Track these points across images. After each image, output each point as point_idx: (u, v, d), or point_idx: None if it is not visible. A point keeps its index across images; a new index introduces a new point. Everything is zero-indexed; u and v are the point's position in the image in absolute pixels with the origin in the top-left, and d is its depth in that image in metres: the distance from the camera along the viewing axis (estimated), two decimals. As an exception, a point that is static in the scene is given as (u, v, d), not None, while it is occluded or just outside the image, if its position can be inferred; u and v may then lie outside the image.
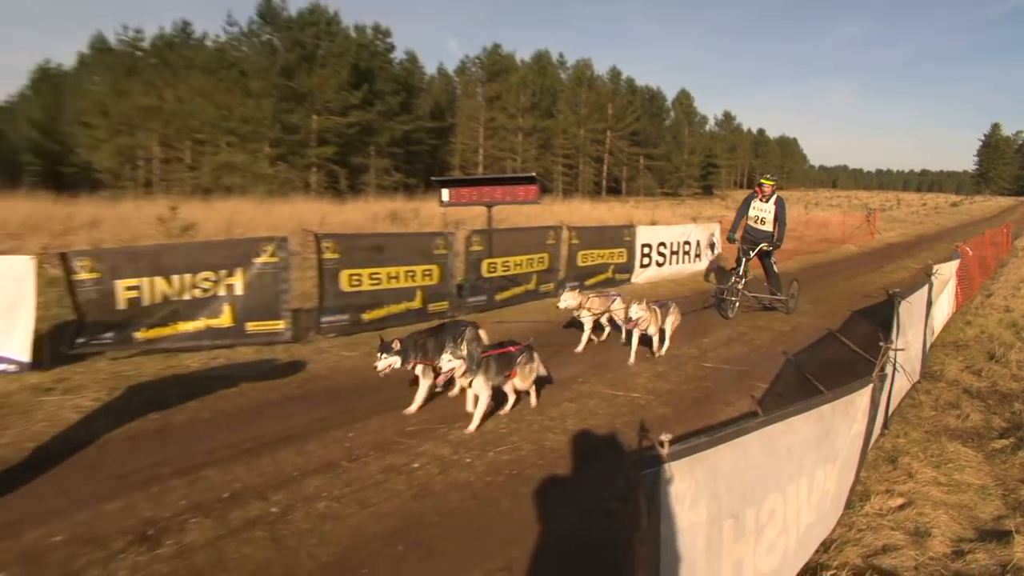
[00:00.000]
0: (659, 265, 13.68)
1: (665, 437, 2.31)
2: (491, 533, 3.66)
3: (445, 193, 10.57)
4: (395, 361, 5.15)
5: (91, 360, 6.74)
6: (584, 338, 7.78)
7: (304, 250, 11.20)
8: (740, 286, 9.80)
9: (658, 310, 7.34)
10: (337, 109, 48.62)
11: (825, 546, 3.55)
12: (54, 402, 5.57)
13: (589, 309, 7.72)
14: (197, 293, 7.18)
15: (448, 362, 4.84)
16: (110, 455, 4.52)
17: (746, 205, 10.09)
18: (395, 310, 8.74)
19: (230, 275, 7.33)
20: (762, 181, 9.99)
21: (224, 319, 7.33)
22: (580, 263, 11.89)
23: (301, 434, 4.99)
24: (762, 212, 9.87)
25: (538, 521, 3.78)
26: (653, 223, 19.77)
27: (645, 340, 7.55)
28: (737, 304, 9.83)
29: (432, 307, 9.14)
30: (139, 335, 6.96)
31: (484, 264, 10.05)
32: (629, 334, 7.46)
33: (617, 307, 7.71)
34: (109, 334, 6.83)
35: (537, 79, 64.86)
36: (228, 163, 45.25)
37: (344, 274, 8.25)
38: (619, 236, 12.88)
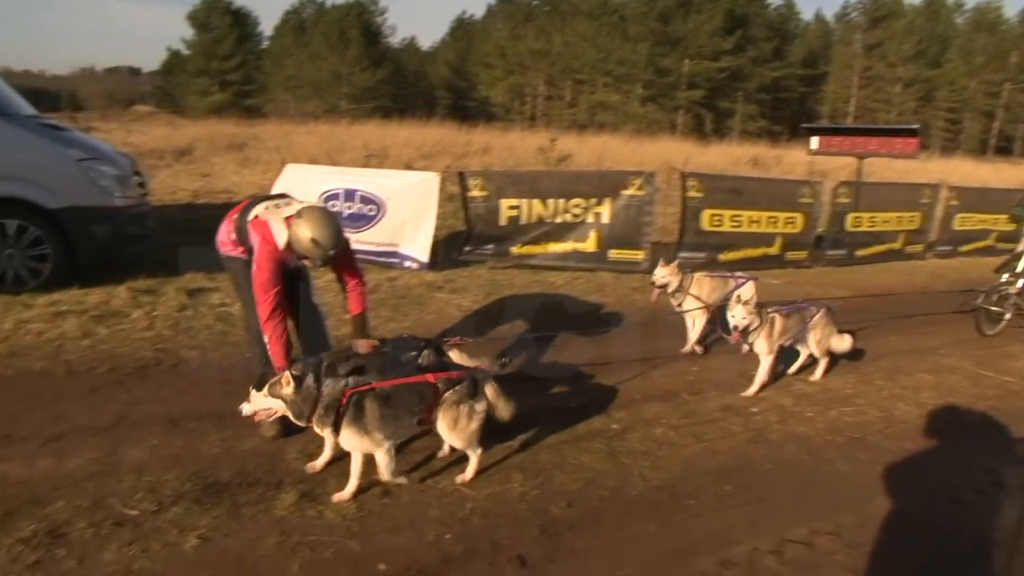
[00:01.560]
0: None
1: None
2: (823, 492, 3.42)
3: (815, 141, 10.05)
4: (274, 407, 2.99)
5: (474, 267, 7.58)
6: (691, 336, 5.29)
7: (667, 187, 10.99)
8: (1015, 290, 6.41)
9: (779, 318, 4.57)
10: (709, 54, 47.20)
11: None
12: (442, 298, 6.36)
13: (690, 293, 5.19)
14: (568, 217, 7.54)
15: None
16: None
17: None
18: (751, 254, 8.49)
19: (599, 204, 7.54)
20: None
21: (589, 244, 7.61)
22: (957, 226, 10.70)
23: (648, 360, 5.01)
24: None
25: (875, 491, 3.44)
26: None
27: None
28: (1007, 318, 6.47)
29: (789, 255, 8.84)
30: (515, 250, 7.62)
31: (849, 217, 9.46)
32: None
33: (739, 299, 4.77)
34: (490, 246, 7.61)
35: (926, 25, 53.31)
36: (602, 102, 47.65)
37: (706, 213, 8.14)
38: (1008, 201, 10.00)
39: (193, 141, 18.24)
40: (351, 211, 7.42)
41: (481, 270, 7.51)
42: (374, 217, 7.39)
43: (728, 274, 5.53)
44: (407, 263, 7.43)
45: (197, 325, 5.24)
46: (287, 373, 2.97)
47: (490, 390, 3.23)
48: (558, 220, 7.55)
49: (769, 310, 4.54)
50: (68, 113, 34.33)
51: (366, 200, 7.40)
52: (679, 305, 5.22)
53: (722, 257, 8.31)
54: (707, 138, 35.32)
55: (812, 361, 4.92)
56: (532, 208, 7.50)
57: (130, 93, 62.74)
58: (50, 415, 3.67)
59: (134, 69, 79.59)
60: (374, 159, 15.55)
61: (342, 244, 3.39)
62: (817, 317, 4.71)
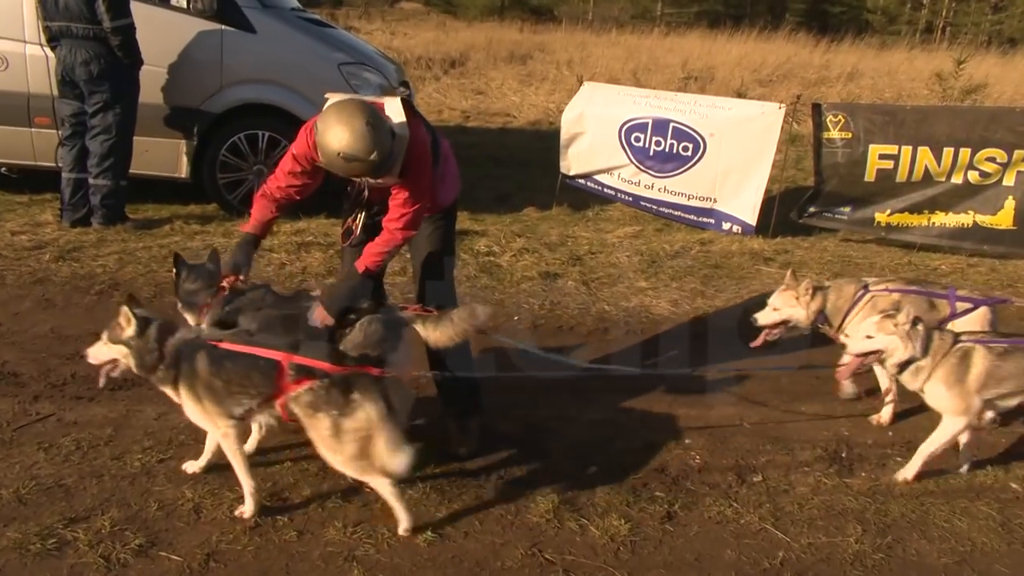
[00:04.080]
0: None
1: None
2: None
3: None
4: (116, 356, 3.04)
5: (818, 236, 7.33)
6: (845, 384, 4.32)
7: None
8: None
9: (981, 352, 3.45)
10: None
11: None
12: (770, 274, 6.24)
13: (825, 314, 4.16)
14: (972, 177, 6.85)
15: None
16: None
17: None
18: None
19: (1026, 159, 6.72)
20: None
21: (1001, 217, 6.86)
22: None
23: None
24: None
25: None
26: None
27: None
28: None
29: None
30: (881, 217, 7.15)
31: None
32: None
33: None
34: (846, 209, 7.23)
35: None
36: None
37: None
38: None
39: (467, 49, 19.89)
40: (659, 149, 7.54)
41: (829, 241, 7.27)
42: (689, 160, 7.44)
43: (932, 290, 4.34)
44: (726, 224, 7.39)
45: (457, 275, 5.77)
46: (125, 310, 2.96)
47: (369, 409, 2.83)
48: (954, 180, 6.90)
49: (961, 336, 3.55)
50: (327, 9, 39.51)
51: (681, 135, 7.46)
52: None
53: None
54: None
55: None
56: (916, 160, 6.94)
57: (396, -14, 69.87)
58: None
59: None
60: (694, 82, 15.57)
61: (384, 145, 3.11)
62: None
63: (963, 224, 6.98)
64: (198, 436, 3.41)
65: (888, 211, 7.13)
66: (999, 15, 43.84)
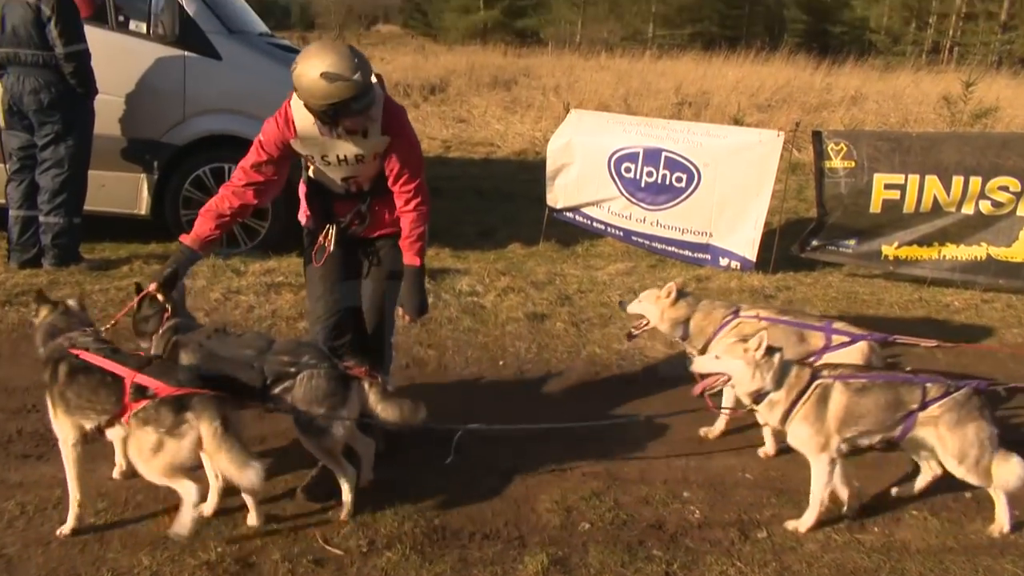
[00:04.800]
0: None
1: None
2: None
3: None
4: None
5: (822, 270, 7.39)
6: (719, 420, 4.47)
7: None
8: None
9: (839, 388, 3.55)
10: None
11: None
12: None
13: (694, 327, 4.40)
14: (984, 207, 6.96)
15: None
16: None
17: None
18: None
19: (1043, 187, 6.83)
20: None
21: (1016, 250, 6.96)
22: None
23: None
24: None
25: None
26: None
27: None
28: None
29: None
30: (888, 251, 7.23)
31: None
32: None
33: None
34: (851, 242, 7.31)
35: None
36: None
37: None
38: None
39: (448, 74, 20.10)
40: (651, 180, 7.62)
41: (833, 276, 7.31)
42: (683, 192, 7.51)
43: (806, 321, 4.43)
44: (723, 260, 7.44)
45: (438, 317, 5.80)
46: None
47: (206, 426, 2.99)
48: (965, 210, 7.00)
49: (823, 370, 3.62)
50: (298, 32, 39.77)
51: (674, 165, 7.54)
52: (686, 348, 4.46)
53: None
54: None
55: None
56: (924, 189, 7.04)
57: (372, 8, 70.41)
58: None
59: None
60: (688, 108, 15.75)
61: (367, 70, 3.38)
62: (943, 403, 3.54)
63: (976, 257, 7.06)
64: (157, 496, 3.37)
65: (896, 244, 7.20)
66: (1009, 35, 44.57)
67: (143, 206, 6.79)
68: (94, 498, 3.50)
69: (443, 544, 3.36)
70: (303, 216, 3.99)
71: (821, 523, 3.58)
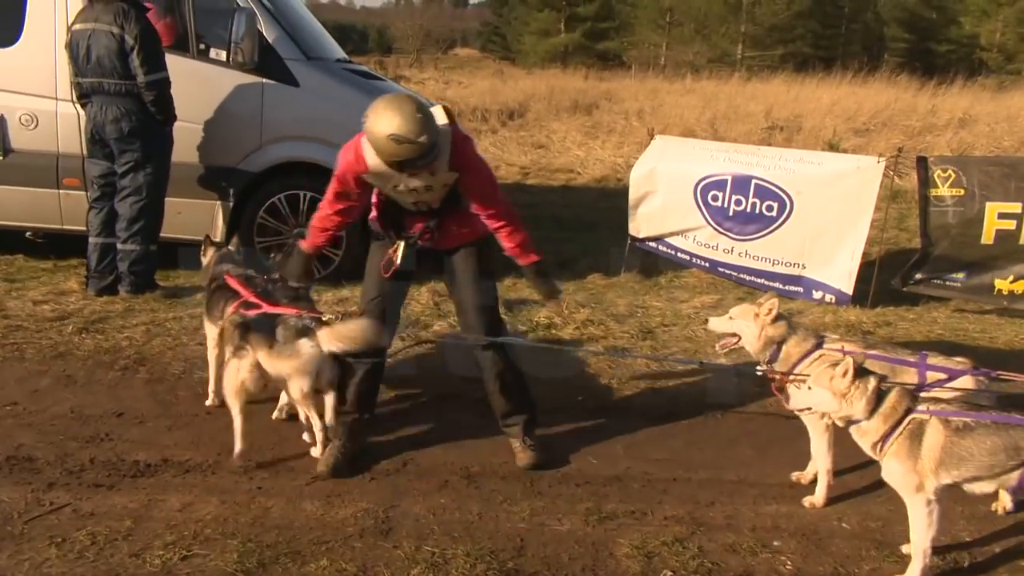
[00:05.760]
0: None
1: None
2: None
3: None
4: None
5: (925, 305, 7.22)
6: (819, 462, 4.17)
7: None
8: None
9: (936, 425, 3.32)
10: None
11: None
12: (871, 353, 6.10)
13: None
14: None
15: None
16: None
17: None
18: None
19: None
20: None
21: None
22: None
23: None
24: None
25: None
26: None
27: None
28: None
29: None
30: (1002, 285, 7.05)
31: None
32: None
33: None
34: (959, 275, 7.14)
35: None
36: None
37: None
38: None
39: (527, 99, 20.30)
40: (740, 209, 7.54)
41: (939, 312, 7.16)
42: (774, 221, 7.42)
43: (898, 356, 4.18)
44: (817, 292, 7.30)
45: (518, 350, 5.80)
46: None
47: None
48: (1087, 241, 6.77)
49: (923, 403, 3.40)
50: (375, 57, 40.83)
51: (764, 193, 7.47)
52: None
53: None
54: None
55: None
56: (1040, 219, 6.87)
57: (450, 32, 71.93)
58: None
59: (458, 0, 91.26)
60: (779, 133, 15.60)
61: (433, 131, 3.66)
62: None
63: (1101, 292, 6.82)
64: (225, 530, 3.44)
65: (1011, 278, 7.00)
66: None
67: (218, 233, 6.99)
68: (162, 531, 3.58)
69: (516, 599, 3.35)
70: (373, 222, 4.35)
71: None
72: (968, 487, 3.36)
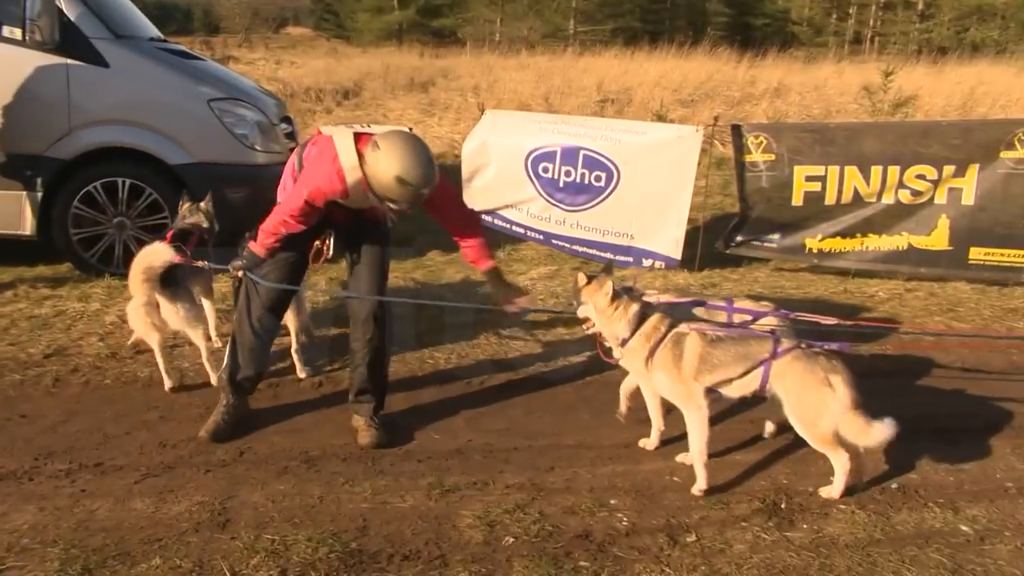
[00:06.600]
0: None
1: None
2: None
3: None
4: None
5: (748, 266, 7.57)
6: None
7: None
8: None
9: (694, 337, 3.88)
10: None
11: None
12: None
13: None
14: (903, 196, 7.18)
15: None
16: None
17: None
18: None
19: (958, 174, 7.06)
20: None
21: (936, 238, 7.18)
22: None
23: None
24: None
25: None
26: None
27: None
28: None
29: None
30: (811, 244, 7.43)
31: None
32: None
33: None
34: (775, 236, 7.50)
35: None
36: (980, 5, 43.64)
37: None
38: None
39: (362, 77, 19.94)
40: (569, 180, 7.69)
41: (759, 271, 7.49)
42: (603, 191, 7.60)
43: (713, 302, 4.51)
44: (646, 261, 7.54)
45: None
46: None
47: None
48: (885, 200, 7.22)
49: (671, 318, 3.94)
50: (201, 36, 39.28)
51: (593, 164, 7.63)
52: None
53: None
54: None
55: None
56: (844, 181, 7.26)
57: (281, 11, 69.81)
58: (153, 439, 4.27)
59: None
60: (611, 105, 15.92)
61: (435, 180, 3.76)
62: (787, 359, 3.82)
63: (898, 247, 7.28)
64: (45, 538, 3.28)
65: (819, 236, 7.39)
66: (927, 23, 46.21)
67: (27, 226, 6.57)
68: None
69: (360, 569, 3.30)
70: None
71: (749, 521, 3.64)
72: (724, 390, 3.86)
